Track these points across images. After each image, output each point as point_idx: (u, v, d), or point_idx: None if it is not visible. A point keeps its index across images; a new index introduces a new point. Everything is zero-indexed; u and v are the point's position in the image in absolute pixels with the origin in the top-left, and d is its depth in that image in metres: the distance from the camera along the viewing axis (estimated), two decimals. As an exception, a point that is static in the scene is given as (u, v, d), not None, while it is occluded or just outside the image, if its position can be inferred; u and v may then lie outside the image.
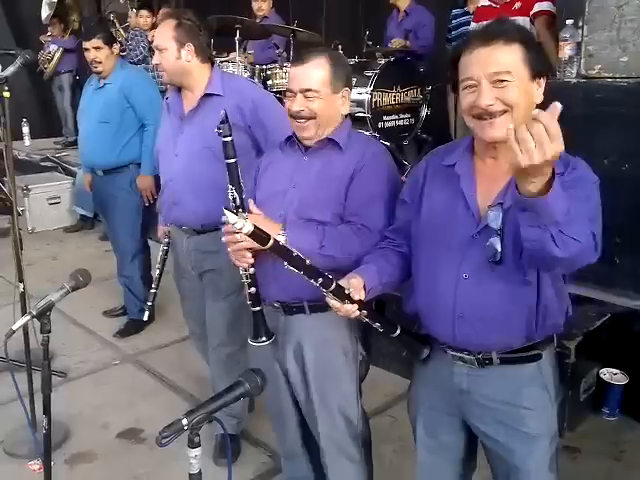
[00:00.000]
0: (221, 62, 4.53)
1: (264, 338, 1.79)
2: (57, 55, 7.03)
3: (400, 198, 1.65)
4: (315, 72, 1.73)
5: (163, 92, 3.69)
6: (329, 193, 1.76)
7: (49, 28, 7.15)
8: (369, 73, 4.41)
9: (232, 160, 1.69)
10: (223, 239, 1.73)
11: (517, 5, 3.54)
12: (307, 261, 1.44)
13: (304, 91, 1.73)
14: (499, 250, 1.35)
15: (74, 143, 6.44)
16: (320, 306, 1.67)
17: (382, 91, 4.45)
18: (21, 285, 2.66)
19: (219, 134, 1.67)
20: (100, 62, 3.33)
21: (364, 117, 4.37)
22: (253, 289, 1.75)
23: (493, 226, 1.36)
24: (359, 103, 4.40)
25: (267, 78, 4.68)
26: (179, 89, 2.37)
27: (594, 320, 2.69)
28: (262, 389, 1.37)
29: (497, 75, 1.31)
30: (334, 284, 1.45)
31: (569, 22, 2.91)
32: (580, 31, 2.82)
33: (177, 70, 2.29)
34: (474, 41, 1.35)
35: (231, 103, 2.21)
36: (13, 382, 1.97)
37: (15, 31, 7.98)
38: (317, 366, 1.83)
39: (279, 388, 1.95)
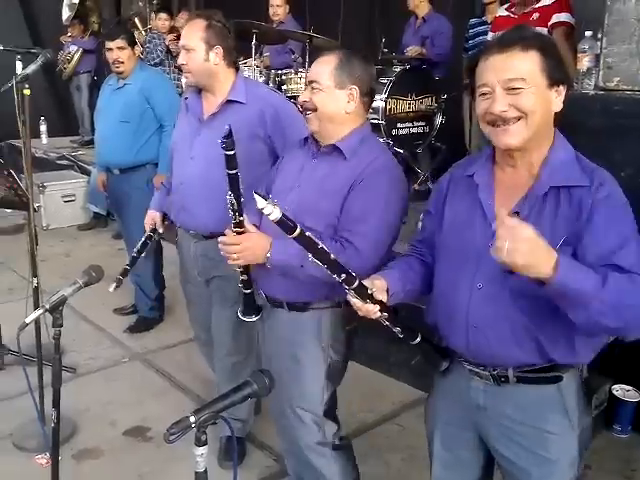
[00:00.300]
0: (236, 65, 4.55)
1: (252, 316, 2.01)
2: (77, 56, 7.11)
3: (426, 209, 1.64)
4: (322, 66, 1.79)
5: (179, 94, 3.72)
6: (326, 203, 1.76)
7: (69, 29, 7.24)
8: (384, 80, 4.41)
9: (233, 171, 1.72)
10: (220, 245, 1.83)
11: (535, 16, 3.52)
12: (331, 255, 1.43)
13: (311, 82, 1.80)
14: None
15: (90, 142, 6.50)
16: (296, 306, 1.85)
17: (397, 98, 4.46)
18: (35, 280, 2.69)
19: (223, 148, 1.69)
20: (122, 62, 3.37)
21: (378, 124, 4.37)
22: (245, 276, 1.89)
23: None
24: (373, 110, 4.39)
25: (282, 83, 4.71)
26: (199, 90, 2.34)
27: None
28: (270, 390, 1.37)
29: (511, 82, 1.31)
30: (357, 282, 1.44)
31: (588, 34, 2.89)
32: (599, 43, 2.81)
33: (204, 72, 2.25)
34: (491, 48, 1.36)
35: (254, 112, 2.21)
36: (25, 375, 1.98)
37: (32, 30, 8.06)
38: (276, 360, 1.97)
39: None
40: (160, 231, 2.58)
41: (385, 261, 1.75)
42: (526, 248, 1.16)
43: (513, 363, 1.41)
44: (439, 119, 4.73)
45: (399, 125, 4.52)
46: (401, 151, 4.45)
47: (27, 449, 2.57)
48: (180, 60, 2.29)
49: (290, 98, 4.06)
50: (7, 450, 2.58)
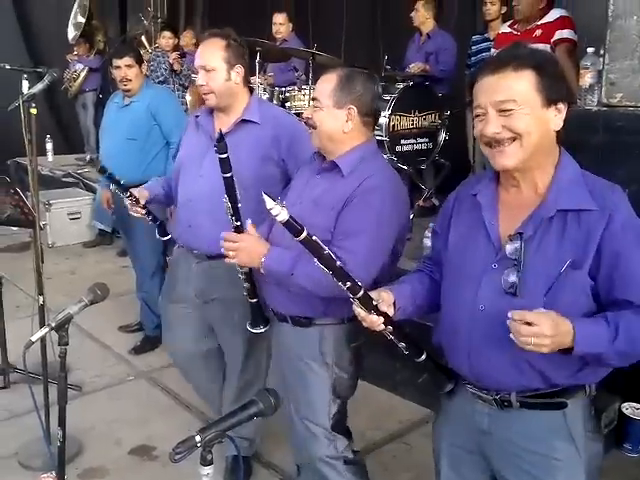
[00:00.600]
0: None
1: (261, 326, 2.03)
2: (82, 74, 7.19)
3: (434, 228, 1.65)
4: (324, 84, 1.82)
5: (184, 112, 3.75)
6: (321, 218, 1.76)
7: (75, 47, 7.32)
8: (387, 97, 4.44)
9: (228, 174, 1.79)
10: (221, 248, 1.84)
11: (538, 32, 3.55)
12: (337, 262, 1.42)
13: (314, 100, 1.84)
14: (514, 281, 1.31)
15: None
16: (300, 321, 1.87)
17: (400, 115, 4.48)
18: (41, 298, 2.69)
19: (216, 151, 1.74)
20: (130, 80, 3.40)
21: (382, 140, 4.39)
22: (248, 284, 1.92)
23: (510, 256, 1.33)
24: (377, 126, 4.41)
25: (286, 100, 4.77)
26: (211, 110, 2.28)
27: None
28: (276, 409, 1.36)
29: (502, 104, 1.31)
30: (362, 291, 1.42)
31: (590, 50, 2.91)
32: (601, 59, 2.82)
33: (225, 92, 2.18)
34: (485, 69, 1.36)
35: (268, 133, 2.19)
36: (30, 394, 1.98)
37: (30, 49, 8.11)
38: (286, 372, 1.98)
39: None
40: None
41: (382, 280, 1.73)
42: (550, 341, 1.21)
43: (515, 387, 1.39)
44: (443, 135, 4.74)
45: (403, 142, 4.54)
46: (405, 167, 4.46)
47: (33, 468, 2.55)
48: (200, 81, 2.20)
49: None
50: (13, 469, 2.57)
